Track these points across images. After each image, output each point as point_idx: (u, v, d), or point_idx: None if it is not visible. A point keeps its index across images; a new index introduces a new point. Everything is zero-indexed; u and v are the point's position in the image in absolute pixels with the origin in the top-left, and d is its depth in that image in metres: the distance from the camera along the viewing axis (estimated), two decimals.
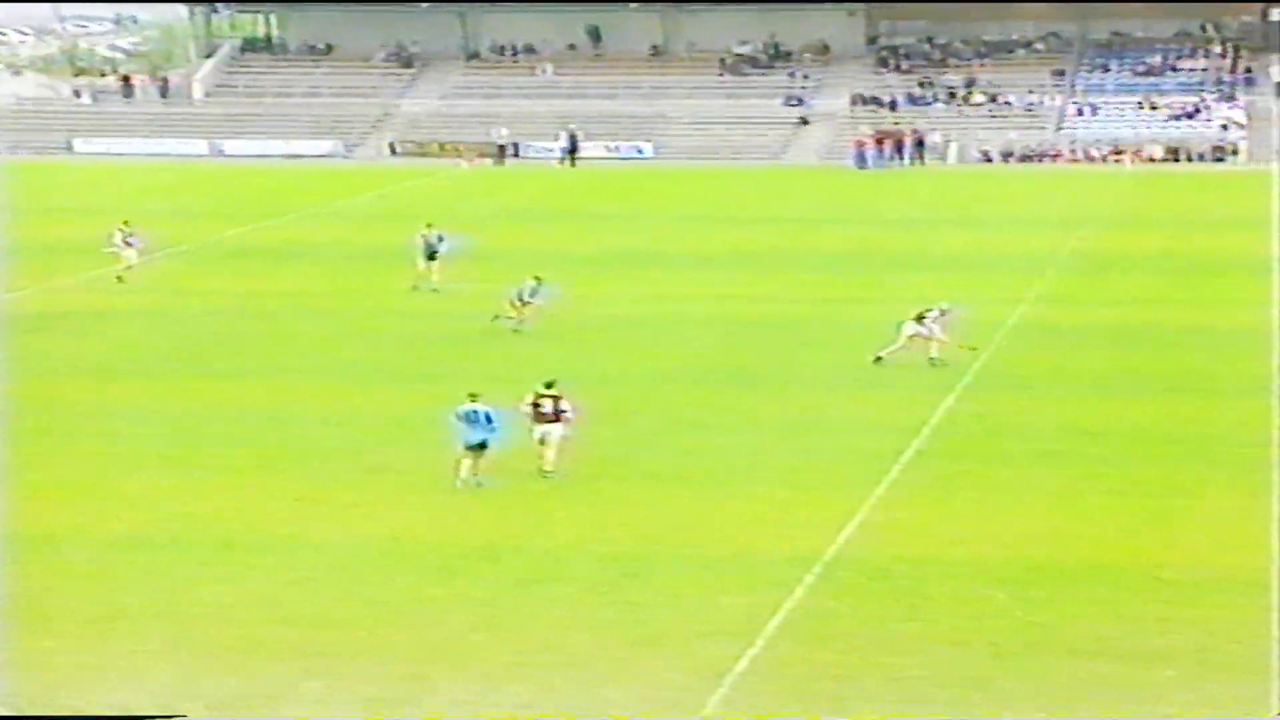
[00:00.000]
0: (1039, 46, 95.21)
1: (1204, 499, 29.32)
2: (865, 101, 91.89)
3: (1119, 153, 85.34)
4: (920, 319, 39.04)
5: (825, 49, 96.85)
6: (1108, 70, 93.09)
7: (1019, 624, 23.73)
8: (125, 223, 52.18)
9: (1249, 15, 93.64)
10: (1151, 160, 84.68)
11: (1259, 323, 43.60)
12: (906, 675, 22.07)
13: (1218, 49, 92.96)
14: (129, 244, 51.56)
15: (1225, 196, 72.30)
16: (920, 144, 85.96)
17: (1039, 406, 35.72)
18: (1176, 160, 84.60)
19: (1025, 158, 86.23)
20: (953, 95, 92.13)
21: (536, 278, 43.98)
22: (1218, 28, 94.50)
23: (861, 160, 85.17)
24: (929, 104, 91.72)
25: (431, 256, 49.19)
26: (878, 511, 28.66)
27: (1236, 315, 44.85)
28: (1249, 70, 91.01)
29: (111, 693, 21.60)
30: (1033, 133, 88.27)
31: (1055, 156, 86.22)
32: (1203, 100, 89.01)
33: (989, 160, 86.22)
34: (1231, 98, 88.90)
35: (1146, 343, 40.89)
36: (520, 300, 43.42)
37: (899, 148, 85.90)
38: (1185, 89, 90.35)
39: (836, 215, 67.80)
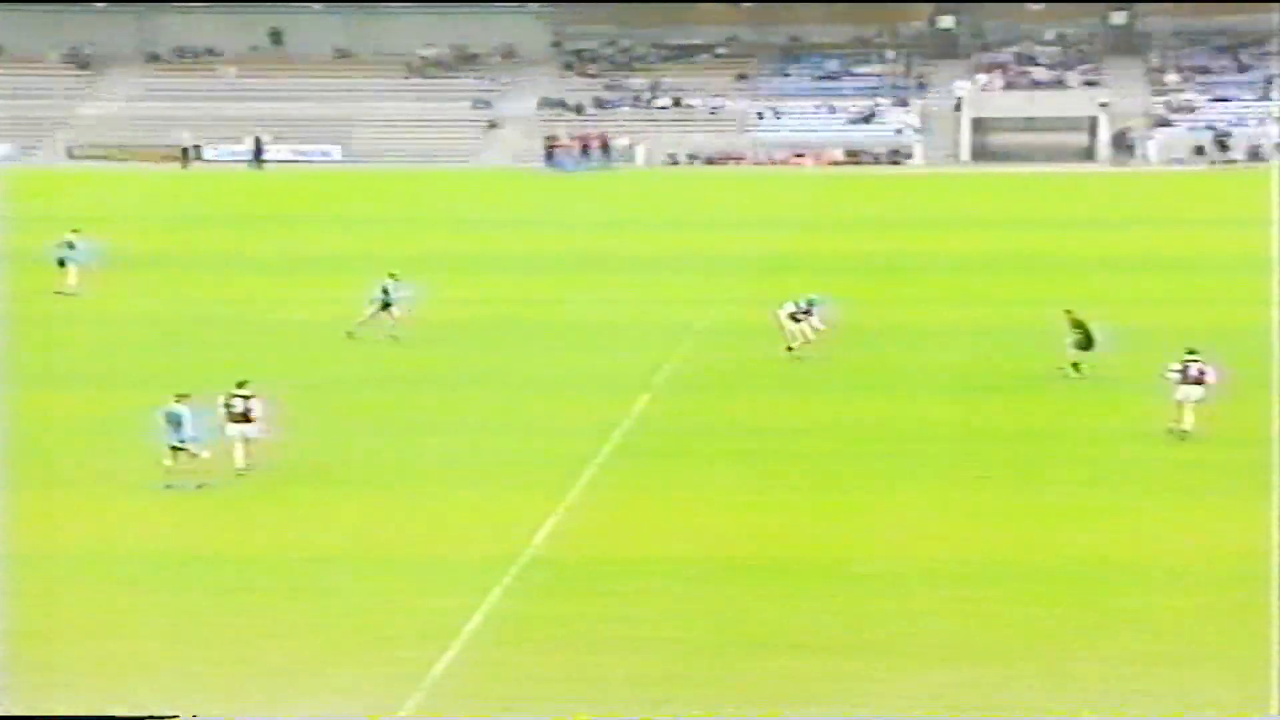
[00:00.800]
0: (721, 51, 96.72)
1: (892, 493, 30.06)
2: (553, 104, 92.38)
3: (800, 155, 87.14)
4: (796, 316, 39.63)
5: (512, 52, 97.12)
6: (788, 75, 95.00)
7: (712, 620, 24.08)
8: None
9: (919, 22, 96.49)
10: (832, 163, 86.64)
11: (944, 320, 44.87)
12: (603, 675, 22.26)
13: (891, 55, 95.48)
14: None
15: (902, 198, 74.28)
16: (606, 147, 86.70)
17: (731, 406, 36.27)
18: (857, 163, 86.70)
19: (711, 160, 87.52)
20: (638, 99, 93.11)
21: (392, 275, 43.16)
22: (892, 34, 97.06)
23: (553, 163, 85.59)
24: (616, 107, 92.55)
25: (62, 262, 48.48)
26: (573, 512, 28.84)
27: (923, 313, 46.05)
28: (921, 76, 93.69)
29: None
30: (718, 135, 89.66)
31: (740, 159, 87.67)
32: (878, 104, 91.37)
33: (676, 163, 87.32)
34: (905, 103, 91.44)
35: (835, 341, 41.68)
36: (383, 303, 42.46)
37: (586, 150, 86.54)
38: (862, 93, 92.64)
39: (529, 217, 68.00)
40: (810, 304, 40.30)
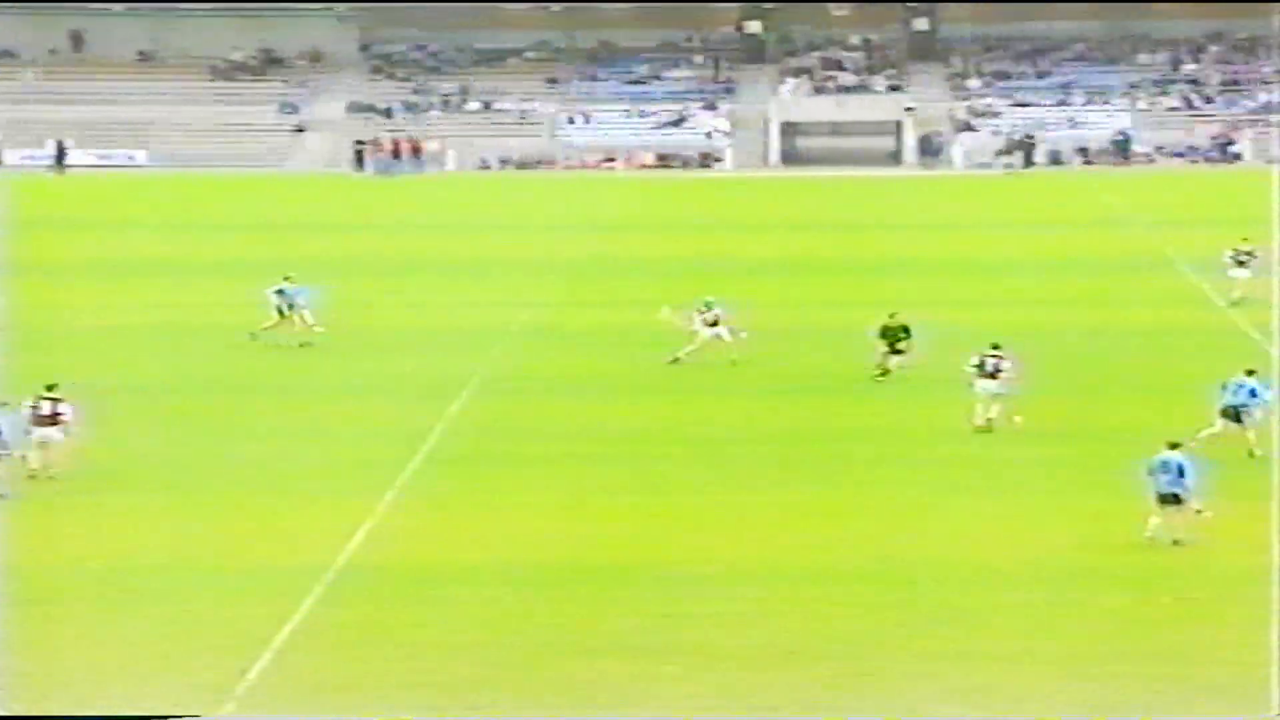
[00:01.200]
0: (530, 54, 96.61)
1: (707, 496, 30.14)
2: (362, 109, 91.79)
3: (611, 159, 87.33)
4: (713, 324, 39.21)
5: (319, 56, 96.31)
6: (597, 79, 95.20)
7: (531, 625, 23.97)
8: None
9: (726, 27, 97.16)
10: (644, 166, 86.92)
11: (759, 322, 44.98)
12: (419, 681, 22.03)
13: (699, 59, 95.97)
14: None
15: (713, 202, 74.78)
16: (417, 151, 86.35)
17: (545, 409, 36.20)
18: (668, 167, 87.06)
19: (523, 164, 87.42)
20: (448, 102, 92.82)
21: (286, 278, 42.23)
22: (700, 39, 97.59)
23: (363, 167, 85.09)
24: (425, 111, 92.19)
25: None
26: (388, 518, 28.58)
27: (737, 315, 46.17)
28: (729, 80, 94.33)
29: None
30: (528, 140, 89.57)
31: (551, 163, 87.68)
32: (688, 109, 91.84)
33: (488, 167, 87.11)
34: (714, 107, 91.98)
35: (648, 345, 41.76)
36: (286, 309, 41.45)
37: (397, 154, 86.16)
38: (671, 97, 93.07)
39: (339, 222, 67.49)
40: (708, 306, 39.96)
